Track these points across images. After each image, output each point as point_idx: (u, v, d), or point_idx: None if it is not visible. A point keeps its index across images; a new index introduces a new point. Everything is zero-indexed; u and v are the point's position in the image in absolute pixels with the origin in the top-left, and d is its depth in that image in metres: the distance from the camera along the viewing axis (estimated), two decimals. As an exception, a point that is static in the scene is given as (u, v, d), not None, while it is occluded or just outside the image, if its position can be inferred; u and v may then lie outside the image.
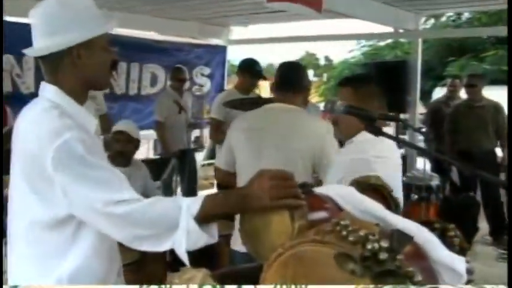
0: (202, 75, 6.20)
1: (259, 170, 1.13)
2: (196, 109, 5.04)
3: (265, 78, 3.97)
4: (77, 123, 1.15)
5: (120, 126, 3.06)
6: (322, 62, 25.31)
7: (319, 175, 2.02)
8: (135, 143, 3.09)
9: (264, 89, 6.08)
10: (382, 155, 1.63)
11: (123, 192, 1.10)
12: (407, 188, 3.43)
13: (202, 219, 1.08)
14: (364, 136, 1.59)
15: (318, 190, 1.16)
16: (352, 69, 15.77)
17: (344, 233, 0.87)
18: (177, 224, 1.07)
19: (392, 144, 1.73)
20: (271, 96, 4.79)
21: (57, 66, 1.19)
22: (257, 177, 1.10)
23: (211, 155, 6.13)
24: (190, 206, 1.08)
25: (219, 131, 3.73)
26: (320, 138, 1.99)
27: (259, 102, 3.40)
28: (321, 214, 1.07)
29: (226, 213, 1.11)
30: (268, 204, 1.05)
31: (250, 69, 3.80)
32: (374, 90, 1.77)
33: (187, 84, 5.23)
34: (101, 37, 1.21)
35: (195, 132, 5.26)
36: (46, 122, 1.12)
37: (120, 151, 2.96)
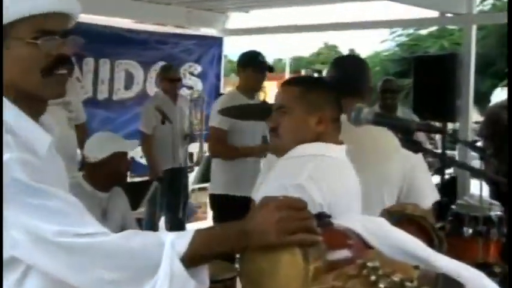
0: (192, 74, 6.26)
1: (263, 197, 1.14)
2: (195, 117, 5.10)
3: (272, 70, 4.05)
4: (20, 141, 1.15)
5: (118, 144, 3.04)
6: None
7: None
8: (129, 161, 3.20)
9: (270, 91, 6.11)
10: (331, 179, 1.67)
11: (86, 226, 1.10)
12: (458, 219, 3.42)
13: (191, 260, 1.08)
14: (305, 149, 1.62)
15: (338, 222, 1.17)
16: (384, 65, 15.87)
17: (373, 277, 0.88)
18: (158, 266, 1.06)
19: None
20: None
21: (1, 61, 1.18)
22: (261, 206, 1.12)
23: (205, 176, 6.14)
24: (176, 242, 1.08)
25: (222, 143, 3.79)
26: (408, 155, 1.98)
27: (264, 108, 3.44)
28: (343, 253, 1.09)
29: (221, 252, 1.11)
30: (276, 241, 1.06)
31: (252, 63, 3.86)
32: (330, 96, 1.78)
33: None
34: (30, 21, 1.16)
35: (191, 148, 5.32)
36: None
37: (117, 172, 3.00)
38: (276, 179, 1.60)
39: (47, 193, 1.11)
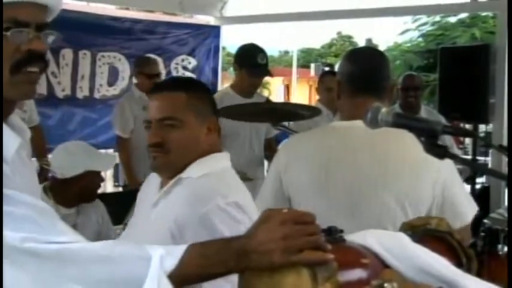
0: (185, 69, 6.28)
1: (264, 211, 1.14)
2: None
3: (270, 75, 4.00)
4: None
5: (93, 161, 3.02)
6: (362, 47, 25.66)
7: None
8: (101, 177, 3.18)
9: (275, 88, 6.13)
10: (247, 194, 1.70)
11: (59, 234, 1.10)
12: (492, 234, 3.41)
13: (181, 280, 1.08)
14: (201, 166, 1.69)
15: (352, 238, 1.18)
16: (406, 58, 15.89)
17: (390, 300, 0.88)
18: (142, 282, 1.06)
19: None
20: (319, 103, 4.82)
21: None
22: (262, 221, 1.12)
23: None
24: (165, 259, 1.08)
25: None
26: (440, 169, 1.95)
27: (267, 108, 3.45)
28: (356, 273, 1.09)
29: (217, 273, 1.12)
30: (280, 261, 1.06)
31: (247, 63, 3.83)
32: (211, 100, 1.84)
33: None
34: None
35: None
36: None
37: (87, 190, 3.00)
38: (201, 201, 1.63)
39: (14, 200, 1.11)
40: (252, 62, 3.78)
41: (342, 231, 1.14)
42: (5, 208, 1.10)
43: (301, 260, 1.06)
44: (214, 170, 1.72)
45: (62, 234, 1.11)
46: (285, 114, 3.44)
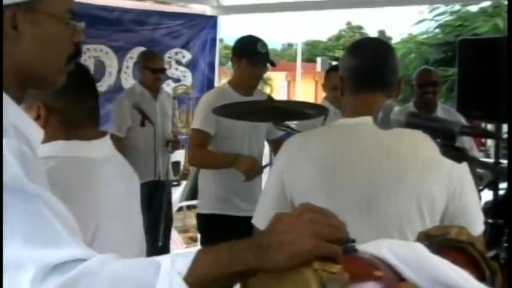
0: (179, 63, 6.30)
1: (276, 214, 1.14)
2: (179, 119, 5.14)
3: (272, 64, 4.03)
4: (19, 133, 1.17)
5: None
6: (373, 39, 25.72)
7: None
8: None
9: (278, 84, 6.16)
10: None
11: (71, 246, 1.10)
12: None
13: (198, 283, 1.07)
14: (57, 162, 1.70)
15: (364, 248, 1.18)
16: (422, 51, 15.90)
17: (406, 316, 0.89)
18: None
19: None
20: (325, 100, 4.81)
21: None
22: (277, 219, 1.11)
23: (193, 192, 6.17)
24: (176, 261, 1.07)
25: (202, 150, 3.81)
26: (454, 174, 1.97)
27: (268, 106, 3.45)
28: (369, 287, 1.10)
29: (235, 272, 1.09)
30: (311, 245, 1.05)
31: (247, 53, 3.84)
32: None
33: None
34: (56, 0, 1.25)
35: (176, 156, 5.34)
36: None
37: None
38: None
39: (41, 198, 1.13)
40: (252, 51, 3.79)
41: (353, 240, 1.15)
42: (30, 207, 1.11)
43: (333, 251, 1.05)
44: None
45: (76, 246, 1.11)
46: (288, 113, 3.45)
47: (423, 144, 1.91)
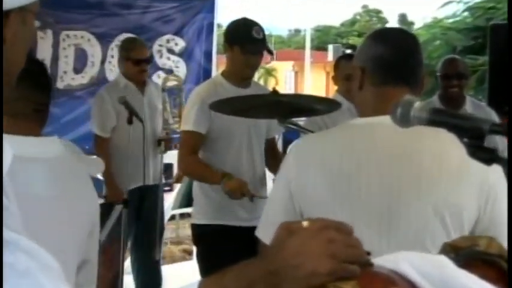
0: (171, 51, 6.30)
1: (282, 224, 1.16)
2: (171, 114, 5.13)
3: (270, 52, 3.98)
4: None
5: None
6: (393, 24, 25.59)
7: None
8: None
9: (283, 75, 6.14)
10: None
11: None
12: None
13: None
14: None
15: (381, 262, 1.19)
16: (448, 38, 15.86)
17: None
18: None
19: None
20: (338, 95, 4.79)
21: None
22: (286, 233, 1.13)
23: (187, 198, 6.17)
24: None
25: (192, 160, 3.80)
26: (486, 180, 1.98)
27: (273, 101, 3.45)
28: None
29: None
30: (328, 267, 1.06)
31: (240, 39, 3.76)
32: None
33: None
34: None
35: (169, 157, 5.35)
36: None
37: None
38: None
39: (14, 247, 1.11)
40: (246, 37, 3.71)
41: (369, 253, 1.15)
42: (5, 258, 1.10)
43: (351, 271, 1.07)
44: None
45: None
46: (296, 108, 3.43)
47: (452, 147, 1.92)
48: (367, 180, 2.01)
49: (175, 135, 5.07)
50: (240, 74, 3.81)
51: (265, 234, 2.12)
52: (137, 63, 4.91)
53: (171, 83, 5.31)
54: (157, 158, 5.02)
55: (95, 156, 4.43)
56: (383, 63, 2.09)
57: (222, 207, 3.80)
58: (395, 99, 1.95)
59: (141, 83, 5.01)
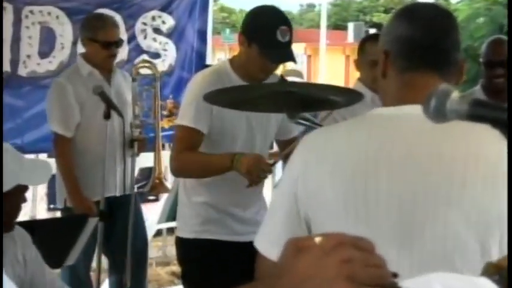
0: (158, 31, 6.31)
1: (289, 240, 1.16)
2: (144, 108, 5.12)
3: (294, 60, 3.88)
4: None
5: (22, 174, 3.10)
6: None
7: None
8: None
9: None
10: None
11: None
12: None
13: None
14: None
15: (411, 285, 1.19)
16: (494, 13, 15.85)
17: None
18: None
19: None
20: (361, 83, 4.81)
21: None
22: (295, 251, 1.14)
23: (174, 211, 6.17)
24: None
25: (191, 154, 3.80)
26: None
27: (281, 92, 3.44)
28: None
29: None
30: None
31: (262, 36, 3.69)
32: None
33: (122, 54, 5.36)
34: None
35: (143, 160, 5.34)
36: None
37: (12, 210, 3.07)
38: None
39: None
40: (268, 38, 3.67)
41: (395, 275, 1.16)
42: None
43: None
44: None
45: None
46: (308, 100, 3.43)
47: (488, 145, 1.94)
48: (386, 183, 2.01)
49: (150, 135, 5.07)
50: (251, 74, 3.79)
51: (264, 245, 2.16)
52: (106, 47, 4.89)
53: (144, 71, 5.26)
54: (127, 163, 4.98)
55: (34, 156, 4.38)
56: (410, 45, 2.11)
57: (214, 219, 3.82)
58: (425, 88, 1.90)
59: (108, 70, 5.01)
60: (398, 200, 1.99)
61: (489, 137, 1.83)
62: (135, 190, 5.10)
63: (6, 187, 2.95)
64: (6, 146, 3.33)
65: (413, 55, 2.10)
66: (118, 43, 5.05)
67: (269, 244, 2.15)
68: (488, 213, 1.97)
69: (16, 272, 3.13)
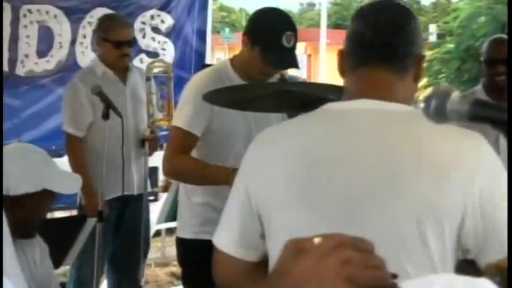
0: (156, 30, 6.31)
1: (288, 241, 1.16)
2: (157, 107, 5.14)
3: (297, 66, 3.89)
4: None
5: (51, 180, 3.10)
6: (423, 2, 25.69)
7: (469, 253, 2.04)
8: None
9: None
10: None
11: None
12: None
13: None
14: None
15: (410, 285, 1.19)
16: (496, 12, 15.84)
17: None
18: None
19: None
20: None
21: None
22: (293, 252, 1.14)
23: (175, 211, 6.17)
24: None
25: (185, 158, 3.80)
26: (477, 169, 2.01)
27: (281, 91, 3.45)
28: None
29: None
30: None
31: (267, 40, 3.68)
32: None
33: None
34: None
35: (154, 160, 5.37)
36: None
37: (32, 215, 3.08)
38: None
39: None
40: (272, 44, 3.66)
41: (395, 276, 1.16)
42: None
43: None
44: None
45: None
46: (308, 100, 3.43)
47: (445, 145, 1.98)
48: (334, 173, 2.05)
49: (162, 133, 5.07)
50: (252, 75, 3.78)
51: (221, 240, 2.27)
52: (118, 46, 4.92)
53: (158, 70, 5.29)
54: (140, 162, 5.03)
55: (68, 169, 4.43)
56: (361, 42, 2.17)
57: (214, 219, 3.79)
58: (374, 83, 2.09)
59: (123, 70, 5.04)
60: (343, 191, 2.03)
61: (449, 137, 1.95)
62: (149, 189, 5.18)
63: (30, 188, 2.96)
64: (39, 150, 3.35)
65: (365, 51, 2.16)
66: (130, 42, 5.08)
67: (225, 239, 2.25)
68: (432, 209, 1.98)
69: (27, 276, 3.14)
